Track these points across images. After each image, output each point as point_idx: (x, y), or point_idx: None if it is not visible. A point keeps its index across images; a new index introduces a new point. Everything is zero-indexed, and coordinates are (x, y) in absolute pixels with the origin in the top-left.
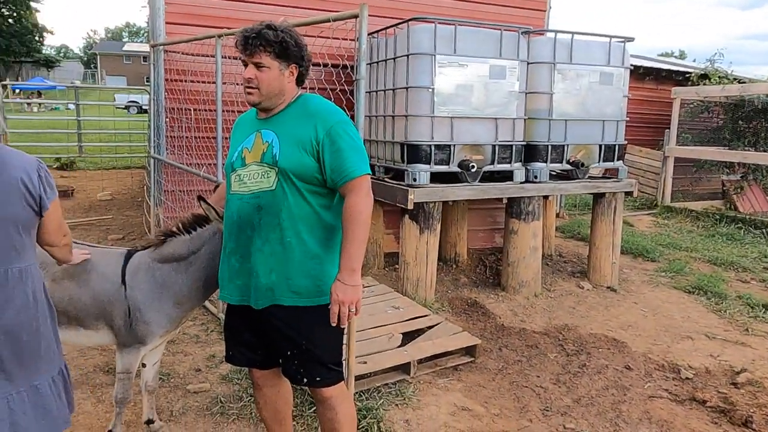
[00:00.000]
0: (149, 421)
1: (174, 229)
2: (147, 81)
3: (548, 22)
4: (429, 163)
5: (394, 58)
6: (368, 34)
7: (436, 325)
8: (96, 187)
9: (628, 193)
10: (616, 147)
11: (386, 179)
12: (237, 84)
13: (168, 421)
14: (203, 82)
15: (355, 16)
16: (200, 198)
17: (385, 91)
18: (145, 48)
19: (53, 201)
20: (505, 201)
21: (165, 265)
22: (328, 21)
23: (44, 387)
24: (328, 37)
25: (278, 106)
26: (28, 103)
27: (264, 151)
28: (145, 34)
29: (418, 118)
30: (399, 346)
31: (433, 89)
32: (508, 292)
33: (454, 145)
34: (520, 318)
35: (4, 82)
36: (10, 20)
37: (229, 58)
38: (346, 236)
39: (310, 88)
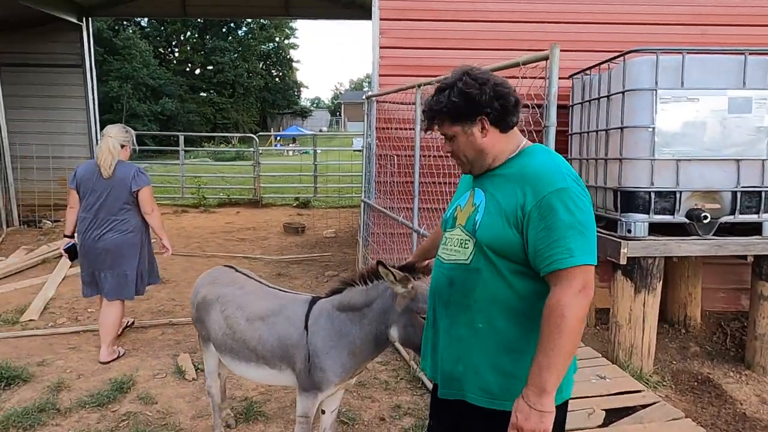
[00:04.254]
0: None
1: (354, 279)
2: None
3: None
4: (647, 213)
5: (608, 96)
6: (581, 71)
7: (650, 404)
8: (324, 225)
9: None
10: None
11: (597, 229)
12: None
13: None
14: (406, 129)
15: (546, 58)
16: (379, 262)
17: (597, 131)
18: None
19: (143, 187)
20: (750, 259)
21: (342, 313)
22: (517, 65)
23: (131, 273)
24: (526, 77)
25: (493, 164)
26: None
27: (469, 214)
28: None
29: (634, 162)
30: (600, 426)
31: (653, 128)
32: (755, 371)
33: (681, 192)
34: None
35: (264, 133)
36: (277, 79)
37: None
38: (540, 342)
39: None
